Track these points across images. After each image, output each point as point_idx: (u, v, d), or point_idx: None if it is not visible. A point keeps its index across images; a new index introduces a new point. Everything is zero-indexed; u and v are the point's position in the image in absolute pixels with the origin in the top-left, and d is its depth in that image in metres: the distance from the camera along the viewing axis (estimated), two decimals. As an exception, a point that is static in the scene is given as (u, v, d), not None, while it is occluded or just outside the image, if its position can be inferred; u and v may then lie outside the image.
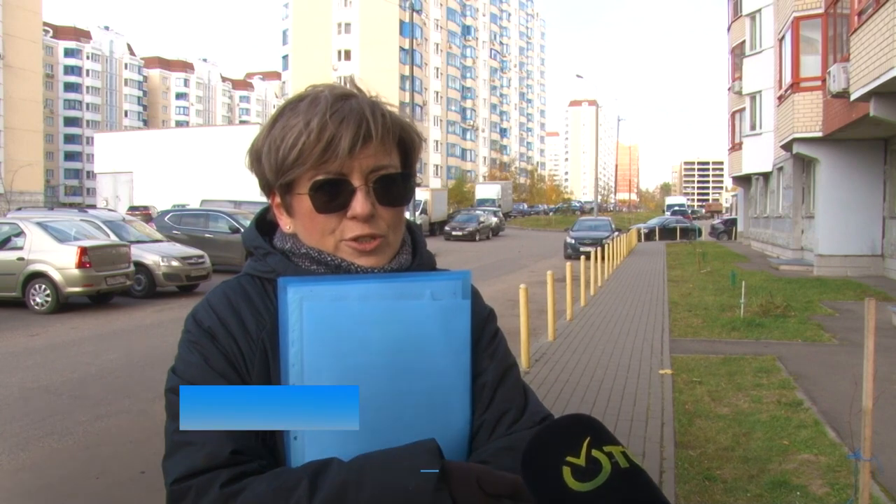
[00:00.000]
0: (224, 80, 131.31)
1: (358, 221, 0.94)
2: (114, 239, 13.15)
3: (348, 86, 0.98)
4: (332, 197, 0.94)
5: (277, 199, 1.00)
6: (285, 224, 1.01)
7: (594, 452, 0.72)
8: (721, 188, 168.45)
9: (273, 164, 0.94)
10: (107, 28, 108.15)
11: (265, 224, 1.06)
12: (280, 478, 0.84)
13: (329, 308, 0.89)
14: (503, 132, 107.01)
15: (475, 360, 0.98)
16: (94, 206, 38.57)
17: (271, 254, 1.00)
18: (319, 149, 0.91)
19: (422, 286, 0.93)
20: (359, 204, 0.93)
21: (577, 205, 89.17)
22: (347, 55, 68.44)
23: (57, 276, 11.18)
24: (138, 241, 13.75)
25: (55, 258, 11.28)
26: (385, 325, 0.90)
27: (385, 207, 0.96)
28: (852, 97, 12.09)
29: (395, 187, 0.97)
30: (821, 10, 16.09)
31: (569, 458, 0.72)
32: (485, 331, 1.03)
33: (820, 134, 15.91)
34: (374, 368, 0.89)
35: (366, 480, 0.81)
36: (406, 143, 1.00)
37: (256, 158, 0.98)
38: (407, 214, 1.05)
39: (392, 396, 0.90)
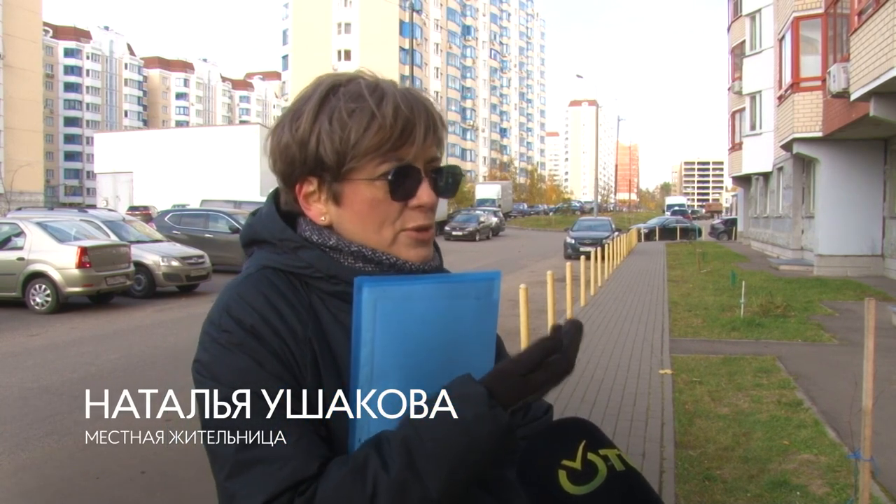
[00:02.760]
0: (224, 80, 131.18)
1: (423, 210, 0.94)
2: (114, 239, 13.12)
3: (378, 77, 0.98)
4: (403, 185, 0.92)
5: (310, 188, 0.94)
6: (319, 214, 0.95)
7: (590, 456, 0.73)
8: (721, 188, 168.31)
9: (335, 150, 0.90)
10: (107, 28, 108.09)
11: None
12: (347, 462, 0.81)
13: (398, 309, 0.87)
14: (503, 132, 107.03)
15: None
16: (94, 206, 38.55)
17: (305, 247, 0.93)
18: (396, 134, 0.90)
19: (468, 287, 0.91)
20: (426, 192, 0.93)
21: (577, 205, 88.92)
22: (347, 55, 68.42)
23: (57, 276, 11.18)
24: (138, 241, 13.71)
25: (55, 258, 11.27)
26: (440, 326, 0.89)
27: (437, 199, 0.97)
28: (852, 97, 12.09)
29: (442, 179, 0.97)
30: (821, 10, 16.10)
31: (564, 462, 0.72)
32: None
33: (820, 134, 15.90)
34: (431, 368, 0.88)
35: (422, 431, 0.79)
36: (441, 139, 0.99)
37: (301, 145, 0.91)
38: None
39: None
